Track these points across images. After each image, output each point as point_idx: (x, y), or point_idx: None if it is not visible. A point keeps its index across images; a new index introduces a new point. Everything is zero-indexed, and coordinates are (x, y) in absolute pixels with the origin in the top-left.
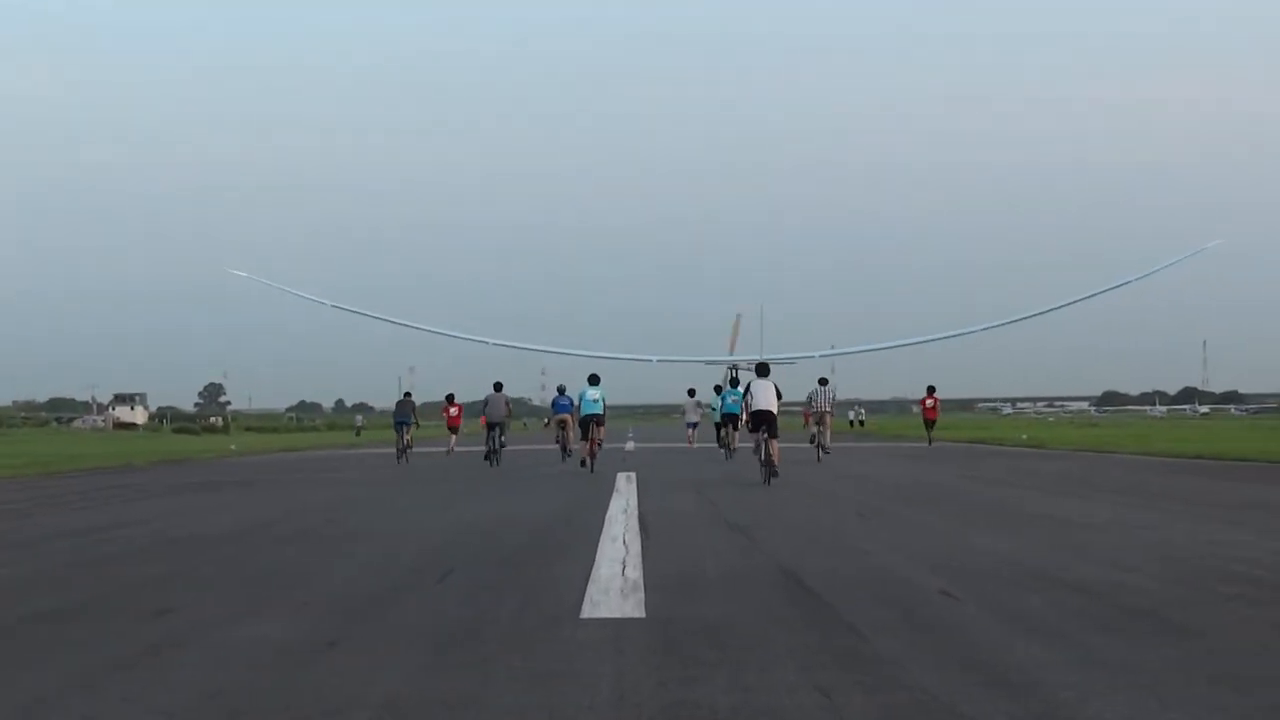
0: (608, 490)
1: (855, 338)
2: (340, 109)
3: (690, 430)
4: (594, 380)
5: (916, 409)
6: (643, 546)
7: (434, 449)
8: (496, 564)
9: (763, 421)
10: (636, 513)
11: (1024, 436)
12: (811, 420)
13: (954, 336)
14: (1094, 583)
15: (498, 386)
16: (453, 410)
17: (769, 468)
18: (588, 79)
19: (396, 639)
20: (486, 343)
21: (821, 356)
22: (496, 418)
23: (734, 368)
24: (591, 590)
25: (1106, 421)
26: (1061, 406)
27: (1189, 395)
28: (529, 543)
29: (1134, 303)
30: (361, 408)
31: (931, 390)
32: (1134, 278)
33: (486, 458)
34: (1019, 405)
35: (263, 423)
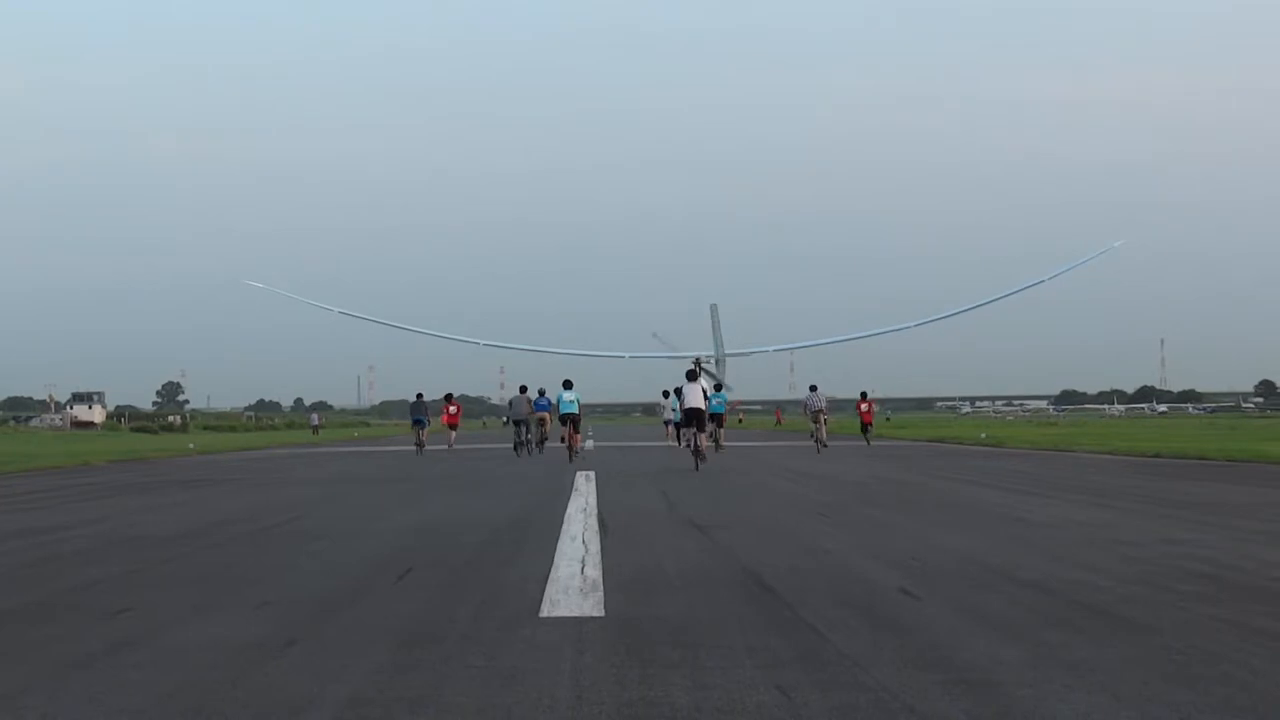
0: (566, 489)
1: (811, 334)
2: (301, 107)
3: (671, 428)
4: (568, 385)
5: (852, 412)
6: (602, 545)
7: (434, 446)
8: (455, 564)
9: (693, 418)
10: (595, 511)
11: (983, 435)
12: (809, 421)
13: (888, 333)
14: (1052, 581)
15: (522, 389)
16: (451, 409)
17: (698, 455)
18: (556, 78)
19: (356, 638)
20: (478, 343)
21: (775, 351)
22: (520, 415)
23: (697, 361)
24: (550, 589)
25: (1065, 420)
26: (1020, 405)
27: (1147, 394)
28: (487, 542)
29: (1091, 301)
30: (320, 407)
31: (864, 395)
32: (1044, 278)
33: (515, 449)
34: (978, 404)
35: (221, 421)
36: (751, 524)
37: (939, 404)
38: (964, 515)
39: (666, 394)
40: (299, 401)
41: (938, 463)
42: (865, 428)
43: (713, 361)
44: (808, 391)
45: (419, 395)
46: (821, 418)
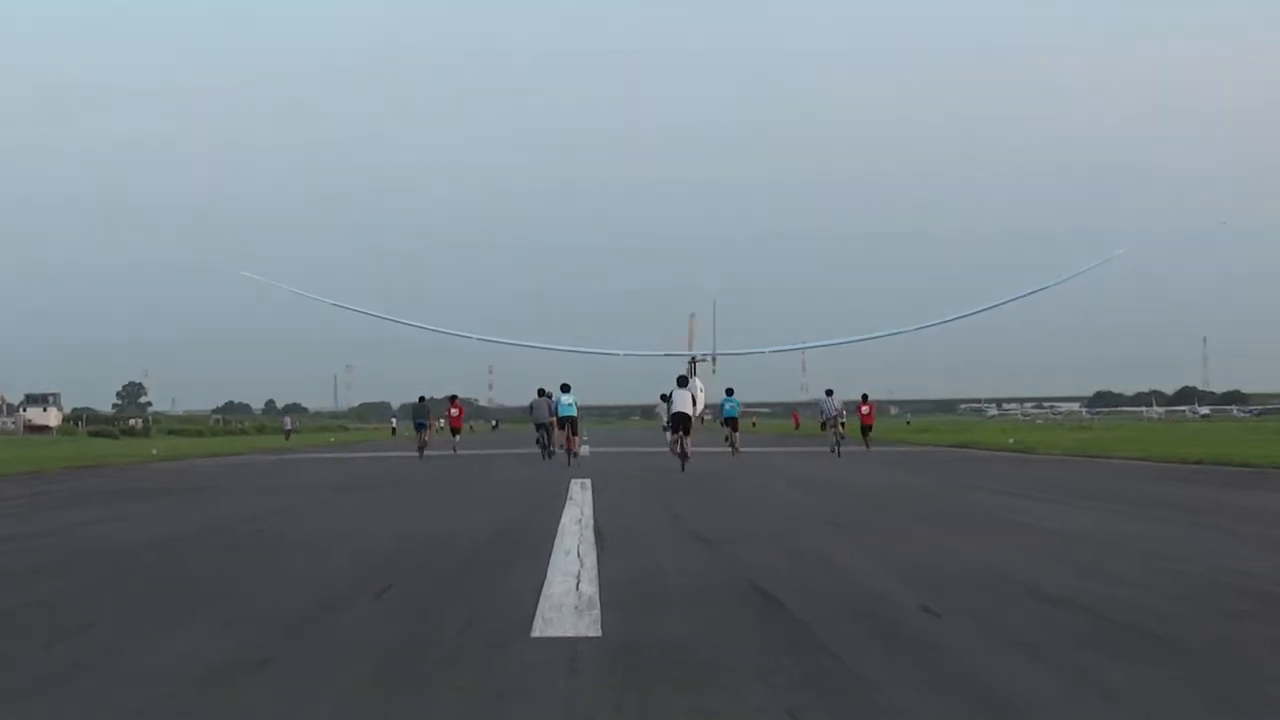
0: (560, 497)
1: (819, 334)
2: (273, 86)
3: (670, 435)
4: (566, 389)
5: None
6: (598, 559)
7: (435, 451)
8: (439, 578)
9: (680, 423)
10: (591, 523)
11: (1010, 440)
12: (827, 425)
13: (886, 336)
14: (1084, 597)
15: (541, 392)
16: (454, 410)
17: (684, 459)
18: (544, 74)
19: (332, 658)
20: (470, 338)
21: (773, 352)
22: (542, 419)
23: (693, 359)
24: (543, 607)
25: (1099, 424)
26: (1051, 408)
27: (1188, 395)
28: (474, 555)
29: (1128, 297)
30: (293, 409)
31: (865, 397)
32: (1046, 284)
33: (543, 454)
34: (1005, 406)
35: (187, 425)
36: (759, 535)
37: (963, 406)
38: (988, 526)
39: (664, 397)
40: (270, 404)
41: (960, 470)
42: (865, 431)
43: (709, 359)
44: (823, 396)
45: (421, 398)
46: (839, 423)
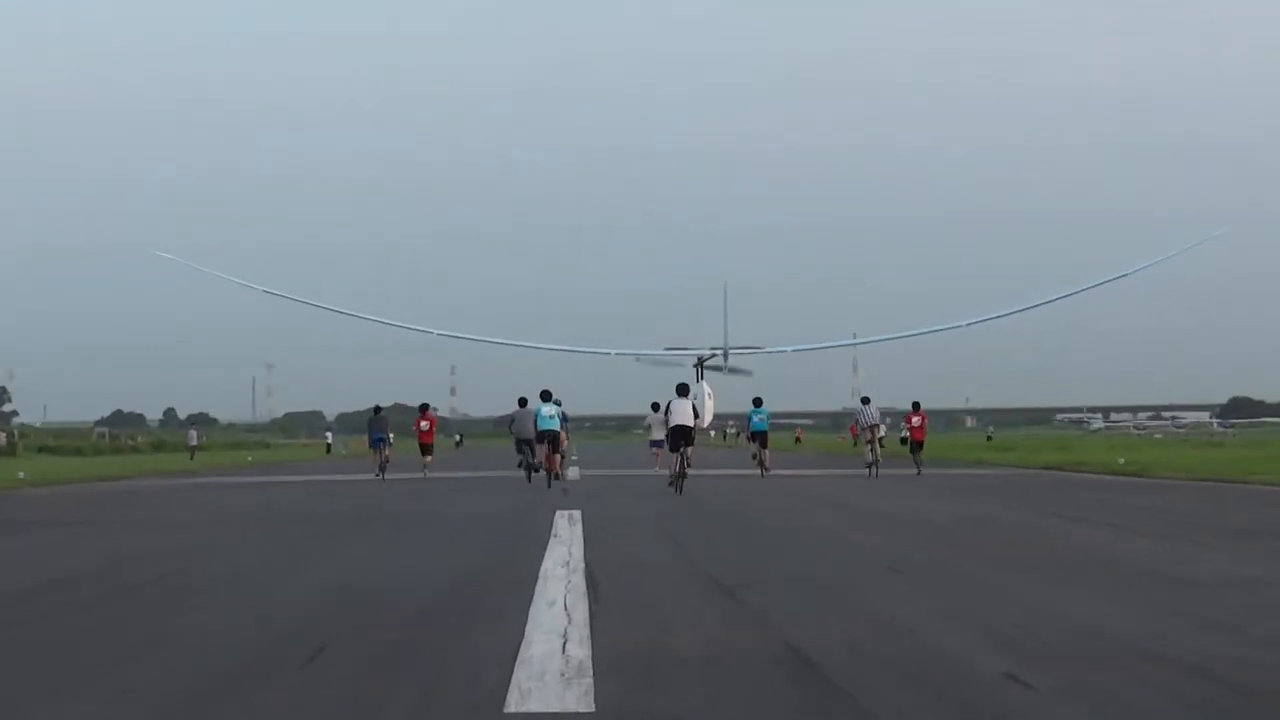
0: (541, 533)
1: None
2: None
3: (656, 451)
4: (548, 397)
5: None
6: (590, 613)
7: (401, 475)
8: (387, 638)
9: (681, 436)
10: (582, 566)
11: (1120, 460)
12: (862, 439)
13: (932, 332)
14: (1223, 664)
15: (522, 401)
16: (424, 424)
17: (681, 478)
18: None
19: None
20: (430, 333)
21: (794, 351)
22: (525, 434)
23: (700, 359)
24: (520, 674)
25: (1235, 439)
26: (1173, 418)
27: None
28: (433, 607)
29: (1269, 280)
30: (200, 420)
31: (917, 406)
32: (1129, 270)
33: (528, 476)
34: (1113, 418)
35: (63, 441)
36: (795, 582)
37: (1060, 417)
38: (1094, 572)
39: (656, 406)
40: (170, 414)
41: (1054, 498)
42: (915, 448)
43: (721, 357)
44: (859, 404)
45: (377, 408)
46: (877, 436)
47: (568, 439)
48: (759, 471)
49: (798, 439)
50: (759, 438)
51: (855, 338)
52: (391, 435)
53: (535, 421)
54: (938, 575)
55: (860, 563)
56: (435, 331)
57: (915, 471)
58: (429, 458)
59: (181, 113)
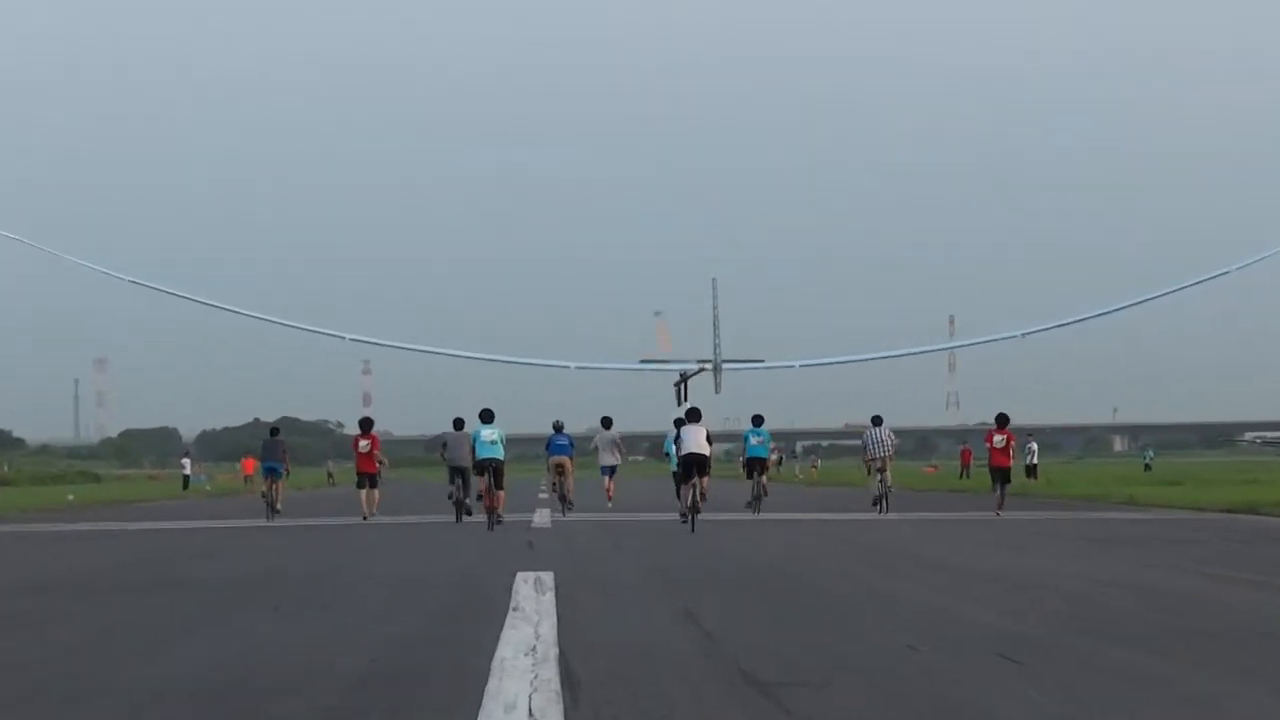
0: (496, 605)
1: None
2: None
3: (607, 479)
4: (489, 418)
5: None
6: None
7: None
8: None
9: (694, 464)
10: (554, 653)
11: None
12: (872, 469)
13: (977, 344)
14: None
15: (458, 423)
16: (363, 443)
17: (694, 511)
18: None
19: None
20: (343, 338)
21: (802, 366)
22: (460, 462)
23: (684, 375)
24: None
25: None
26: None
27: None
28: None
29: None
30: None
31: (1003, 421)
32: (1230, 268)
33: (458, 515)
34: None
35: None
36: (863, 676)
37: (1251, 437)
38: None
39: (606, 421)
40: None
41: (1240, 554)
42: (1000, 477)
43: (711, 371)
44: (869, 426)
45: (274, 430)
46: (888, 465)
47: (573, 468)
48: (751, 510)
49: (814, 467)
50: (757, 463)
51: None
52: (288, 467)
53: (473, 447)
54: (1073, 666)
55: (954, 645)
56: (349, 337)
57: (996, 511)
58: (375, 492)
59: None
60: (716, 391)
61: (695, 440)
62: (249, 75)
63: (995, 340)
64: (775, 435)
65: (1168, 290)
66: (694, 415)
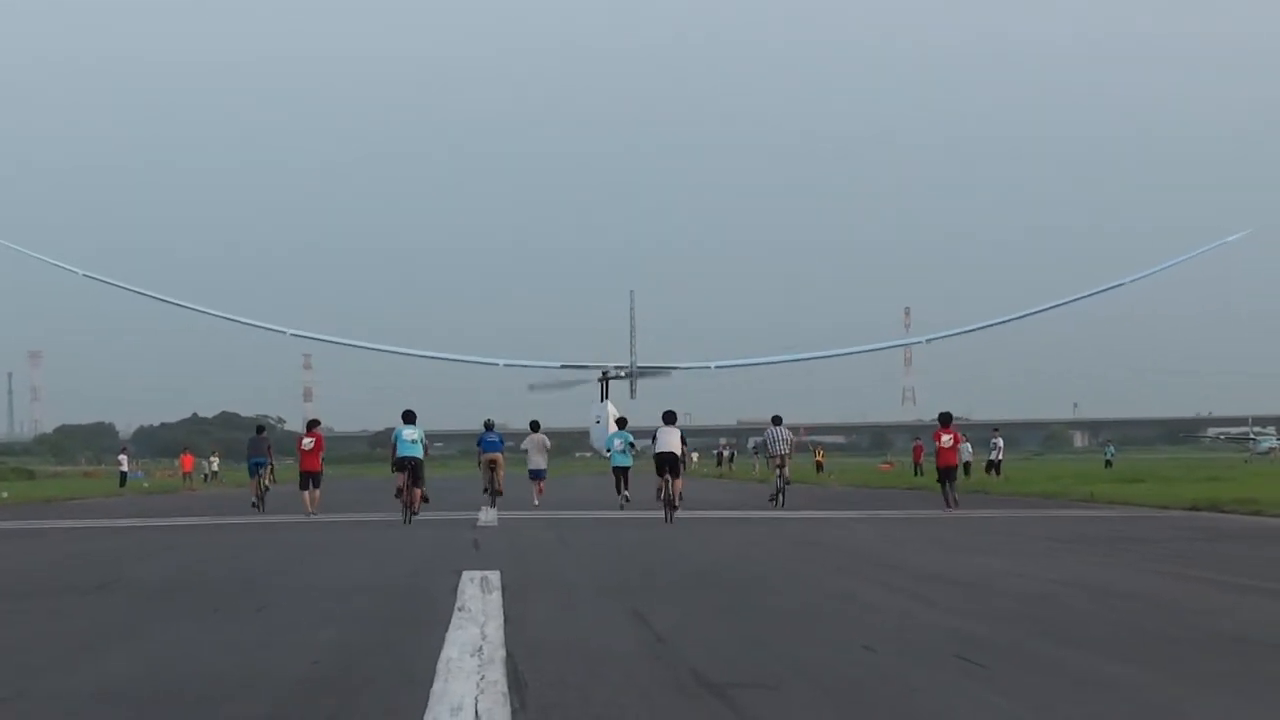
0: (439, 607)
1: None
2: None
3: (537, 483)
4: (410, 418)
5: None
6: None
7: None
8: None
9: (665, 463)
10: (501, 654)
11: None
12: (773, 466)
13: (886, 348)
14: None
15: (408, 417)
16: (307, 441)
17: (670, 508)
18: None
19: None
20: (284, 333)
21: (718, 368)
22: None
23: (605, 375)
24: None
25: None
26: None
27: None
28: None
29: None
30: None
31: (946, 420)
32: (1125, 280)
33: (405, 515)
34: None
35: None
36: (819, 680)
37: (1213, 433)
38: (1269, 666)
39: (535, 425)
40: None
41: (1202, 553)
42: (945, 477)
43: (624, 375)
44: (769, 425)
45: (260, 428)
46: (787, 462)
47: (505, 465)
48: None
49: (818, 455)
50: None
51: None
52: (273, 462)
53: (396, 445)
54: (1029, 668)
55: (911, 648)
56: (289, 332)
57: (944, 506)
58: (316, 492)
59: None
60: (632, 397)
61: (667, 441)
62: (177, 58)
63: (899, 345)
64: (719, 432)
65: (1063, 301)
66: (669, 418)
